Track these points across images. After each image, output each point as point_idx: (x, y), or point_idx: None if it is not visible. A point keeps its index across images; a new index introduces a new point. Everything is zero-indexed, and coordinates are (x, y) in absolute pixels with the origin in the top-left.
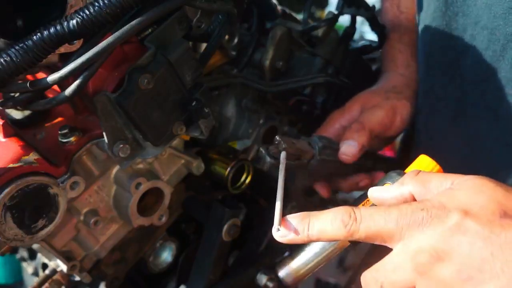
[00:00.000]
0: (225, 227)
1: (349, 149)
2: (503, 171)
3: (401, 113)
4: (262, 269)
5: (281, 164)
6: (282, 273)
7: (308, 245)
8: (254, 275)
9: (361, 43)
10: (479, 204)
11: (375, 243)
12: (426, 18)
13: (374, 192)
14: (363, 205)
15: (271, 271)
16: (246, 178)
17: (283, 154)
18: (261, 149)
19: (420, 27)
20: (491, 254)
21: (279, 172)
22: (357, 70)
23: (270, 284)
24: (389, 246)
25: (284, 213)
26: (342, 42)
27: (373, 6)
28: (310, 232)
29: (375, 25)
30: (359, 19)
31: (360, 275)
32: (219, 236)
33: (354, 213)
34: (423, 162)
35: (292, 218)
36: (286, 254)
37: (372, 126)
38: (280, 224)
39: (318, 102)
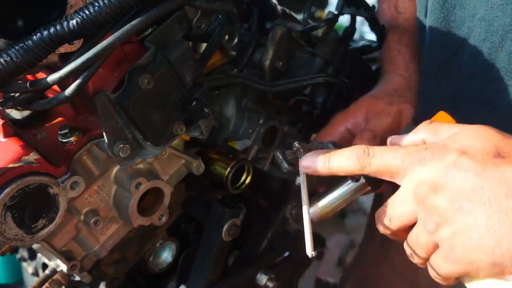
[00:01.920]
0: (225, 227)
1: None
2: None
3: (406, 117)
4: (262, 269)
5: (302, 184)
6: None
7: (331, 189)
8: (254, 275)
9: (361, 43)
10: (476, 146)
11: (384, 178)
12: (427, 15)
13: (393, 139)
14: None
15: (271, 271)
16: (246, 178)
17: (303, 177)
18: (278, 154)
19: (421, 25)
20: (480, 187)
21: (302, 192)
22: (357, 70)
23: (270, 284)
24: (397, 182)
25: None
26: (342, 42)
27: (373, 6)
28: (330, 165)
29: (375, 25)
30: (359, 19)
31: (355, 273)
32: (219, 236)
33: (368, 149)
34: (441, 117)
35: (316, 154)
36: (286, 254)
37: (381, 133)
38: (312, 248)
39: (318, 102)
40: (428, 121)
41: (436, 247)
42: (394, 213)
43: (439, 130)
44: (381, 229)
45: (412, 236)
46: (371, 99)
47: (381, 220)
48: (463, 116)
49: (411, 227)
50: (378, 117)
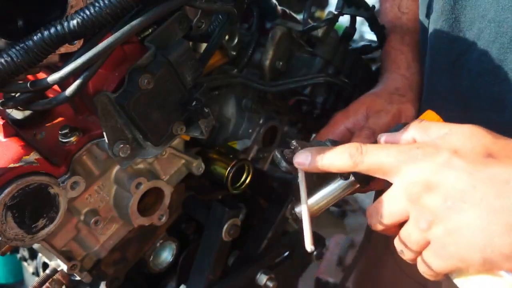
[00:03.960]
0: (225, 227)
1: None
2: None
3: (406, 116)
4: (262, 269)
5: (300, 181)
6: (298, 209)
7: (321, 187)
8: (254, 275)
9: (361, 43)
10: (468, 146)
11: (376, 176)
12: (433, 15)
13: (382, 137)
14: None
15: (271, 271)
16: (246, 178)
17: (301, 174)
18: (276, 153)
19: (429, 26)
20: (473, 186)
21: (300, 189)
22: (357, 70)
23: (270, 284)
24: (388, 180)
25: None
26: (342, 42)
27: (373, 6)
28: (322, 162)
29: (375, 25)
30: (359, 19)
31: (355, 273)
32: (219, 236)
33: (361, 147)
34: (429, 115)
35: (309, 150)
36: (286, 254)
37: (380, 132)
38: (311, 243)
39: (318, 102)
40: (418, 119)
41: (427, 244)
42: (386, 211)
43: (430, 129)
44: (372, 225)
45: (403, 233)
46: (372, 97)
47: (372, 217)
48: (471, 115)
49: (402, 223)
50: (378, 115)
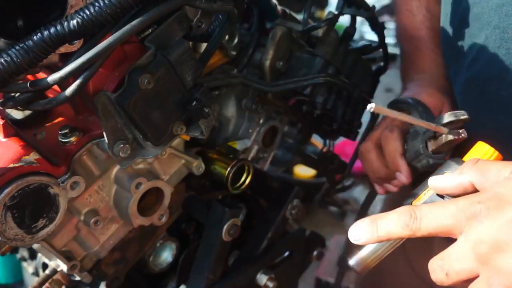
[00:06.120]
0: (225, 227)
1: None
2: None
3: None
4: (262, 269)
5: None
6: (352, 261)
7: None
8: (254, 275)
9: (361, 43)
10: None
11: (439, 236)
12: (444, 21)
13: (434, 181)
14: (424, 194)
15: (271, 271)
16: (246, 178)
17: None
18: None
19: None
20: None
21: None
22: (357, 70)
23: (270, 284)
24: (453, 237)
25: None
26: (342, 42)
27: (373, 6)
28: (379, 234)
29: (375, 25)
30: (359, 19)
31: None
32: (219, 236)
33: (415, 212)
34: (481, 149)
35: (362, 222)
36: (286, 254)
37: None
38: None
39: (318, 102)
40: (474, 159)
41: None
42: (451, 269)
43: (488, 171)
44: (436, 281)
45: None
46: (428, 97)
47: (437, 273)
48: (482, 120)
49: (470, 279)
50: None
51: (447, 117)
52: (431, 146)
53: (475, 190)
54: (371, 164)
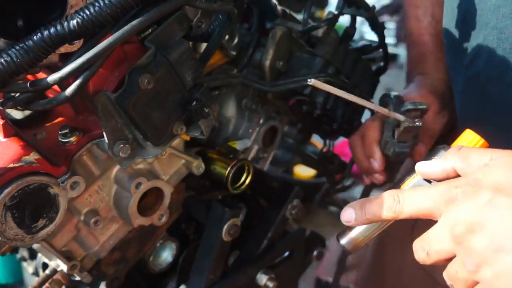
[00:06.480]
0: (225, 227)
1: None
2: None
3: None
4: (262, 269)
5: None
6: (343, 241)
7: None
8: (254, 275)
9: (361, 43)
10: (511, 181)
11: (420, 218)
12: (445, 22)
13: (421, 167)
14: (412, 179)
15: (271, 271)
16: (246, 178)
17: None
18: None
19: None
20: None
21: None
22: (357, 70)
23: (270, 284)
24: (433, 219)
25: None
26: (342, 42)
27: (373, 6)
28: (367, 216)
29: (375, 25)
30: (359, 19)
31: (358, 273)
32: (219, 236)
33: (398, 196)
34: (468, 136)
35: (352, 206)
36: (286, 254)
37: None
38: None
39: (318, 102)
40: (458, 146)
41: (476, 283)
42: (431, 249)
43: (470, 158)
44: (419, 260)
45: (451, 270)
46: (430, 100)
47: (419, 253)
48: (484, 119)
49: (450, 258)
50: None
51: (406, 105)
52: (396, 134)
53: (458, 175)
54: (356, 155)
